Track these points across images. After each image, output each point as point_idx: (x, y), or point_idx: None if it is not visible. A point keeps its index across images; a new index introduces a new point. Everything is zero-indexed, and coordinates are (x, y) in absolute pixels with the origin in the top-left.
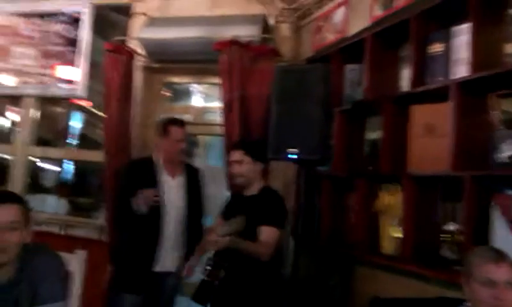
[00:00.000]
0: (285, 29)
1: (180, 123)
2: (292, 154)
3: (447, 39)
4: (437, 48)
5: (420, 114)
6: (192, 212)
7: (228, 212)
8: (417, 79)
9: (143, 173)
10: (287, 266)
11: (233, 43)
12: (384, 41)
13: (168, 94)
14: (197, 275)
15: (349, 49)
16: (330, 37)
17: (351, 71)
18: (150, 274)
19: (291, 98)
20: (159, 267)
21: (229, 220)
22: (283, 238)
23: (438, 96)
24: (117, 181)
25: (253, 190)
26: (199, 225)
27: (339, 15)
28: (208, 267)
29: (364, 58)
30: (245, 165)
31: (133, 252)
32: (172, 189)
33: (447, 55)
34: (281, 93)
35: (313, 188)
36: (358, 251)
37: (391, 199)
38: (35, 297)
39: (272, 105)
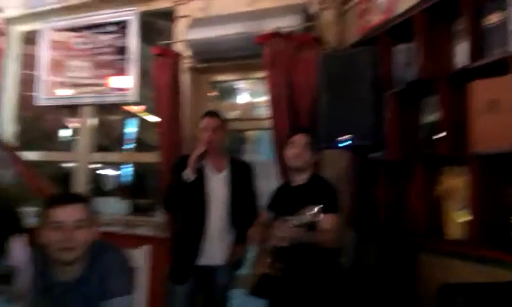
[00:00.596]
0: (328, 16)
1: (210, 114)
2: (344, 141)
3: (503, 8)
4: (493, 19)
5: (482, 89)
6: (240, 205)
7: (275, 204)
8: (475, 53)
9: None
10: (345, 256)
11: (275, 35)
12: (435, 17)
13: (214, 93)
14: (245, 267)
15: (397, 29)
16: (375, 19)
17: (400, 52)
18: (193, 267)
19: (339, 85)
20: (203, 261)
21: (300, 211)
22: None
23: (497, 69)
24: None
25: (302, 179)
26: (251, 217)
27: None
28: (268, 259)
29: (414, 37)
30: (308, 151)
31: (178, 245)
32: (217, 183)
33: (504, 25)
34: (328, 80)
35: (368, 175)
36: (421, 238)
37: (454, 183)
38: (104, 292)
39: (321, 93)
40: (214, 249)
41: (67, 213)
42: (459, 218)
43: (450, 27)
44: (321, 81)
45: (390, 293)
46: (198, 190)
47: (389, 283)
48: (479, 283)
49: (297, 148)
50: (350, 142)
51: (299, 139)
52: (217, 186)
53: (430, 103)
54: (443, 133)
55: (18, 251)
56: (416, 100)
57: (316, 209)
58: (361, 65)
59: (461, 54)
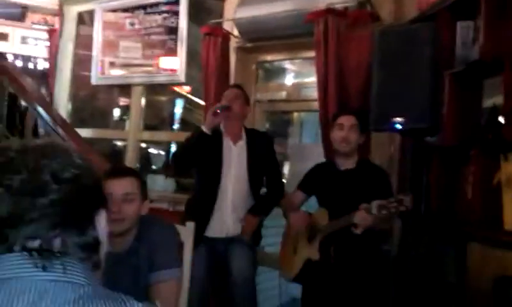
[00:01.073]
0: None
1: (231, 85)
2: (397, 123)
3: None
4: None
5: None
6: (258, 177)
7: (317, 187)
8: None
9: (210, 140)
10: (390, 243)
11: (328, 11)
12: None
13: (261, 73)
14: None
15: (460, 4)
16: None
17: (463, 29)
18: (201, 238)
19: (395, 63)
20: (220, 232)
21: (393, 198)
22: None
23: None
24: None
25: (350, 163)
26: (274, 188)
27: None
28: (317, 245)
29: (479, 13)
30: (355, 134)
31: (192, 212)
32: (234, 153)
33: None
34: (383, 57)
35: (421, 161)
36: (475, 227)
37: None
38: (152, 264)
39: (374, 71)
40: (227, 220)
41: (118, 186)
42: None
43: None
44: (375, 59)
45: (437, 284)
46: (214, 157)
47: (436, 273)
48: None
49: (344, 130)
50: (403, 124)
51: (346, 121)
52: (234, 156)
53: (493, 84)
54: (506, 117)
55: (102, 223)
56: (478, 81)
57: (409, 197)
58: (419, 42)
59: None
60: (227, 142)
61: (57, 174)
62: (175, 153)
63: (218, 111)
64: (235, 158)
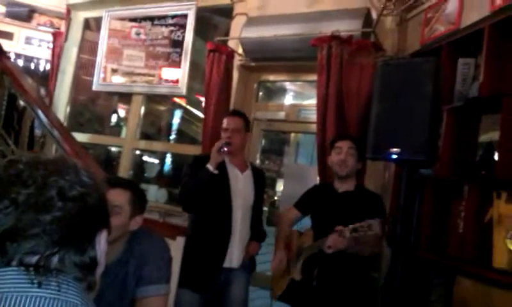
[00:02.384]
0: (389, 23)
1: (233, 113)
2: (394, 154)
3: None
4: None
5: None
6: (256, 206)
7: (315, 207)
8: None
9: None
10: (378, 271)
11: (333, 38)
12: (506, 33)
13: (261, 92)
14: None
15: (463, 42)
16: (441, 29)
17: (464, 65)
18: (220, 269)
19: (395, 94)
20: (227, 263)
21: (364, 222)
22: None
23: None
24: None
25: (348, 186)
26: (258, 222)
27: (452, 5)
28: (300, 265)
29: (481, 51)
30: (353, 158)
31: (201, 247)
32: (242, 182)
33: None
34: (384, 88)
35: (415, 191)
36: (464, 262)
37: (508, 208)
38: (140, 279)
39: (374, 101)
40: (234, 250)
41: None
42: (509, 247)
43: None
44: (376, 89)
45: None
46: (223, 189)
47: (422, 305)
48: None
49: (343, 153)
50: (400, 155)
51: (344, 145)
52: (242, 185)
53: (490, 121)
54: (501, 155)
55: (102, 244)
56: (476, 117)
57: (377, 221)
58: (421, 76)
59: None
60: (234, 172)
61: (64, 192)
62: (183, 195)
63: (222, 149)
64: (243, 187)
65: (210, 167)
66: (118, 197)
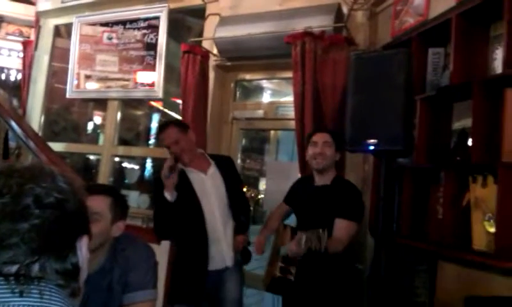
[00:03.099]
0: (360, 17)
1: (165, 127)
2: (371, 145)
3: None
4: None
5: None
6: (233, 197)
7: (295, 200)
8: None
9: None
10: (363, 262)
11: (306, 34)
12: (472, 21)
13: (239, 91)
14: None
15: (432, 32)
16: (410, 21)
17: (434, 55)
18: (206, 273)
19: (369, 87)
20: (213, 265)
21: (310, 232)
22: (358, 233)
23: None
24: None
25: (326, 179)
26: (244, 206)
27: None
28: (281, 264)
29: (450, 40)
30: (329, 150)
31: (185, 257)
32: (207, 183)
33: None
34: (358, 81)
35: (394, 181)
36: (445, 247)
37: (484, 192)
38: (127, 285)
39: (349, 94)
40: (223, 249)
41: None
42: (487, 228)
43: (488, 32)
44: (350, 82)
45: (407, 304)
46: (189, 198)
47: (407, 293)
48: (507, 296)
49: (318, 146)
50: (377, 146)
51: (320, 138)
52: (210, 184)
53: (462, 109)
54: (475, 140)
55: (84, 250)
56: (448, 105)
57: (321, 235)
58: (393, 68)
59: (499, 59)
60: (197, 175)
61: (41, 199)
62: (156, 230)
63: (170, 173)
64: (211, 187)
65: (167, 196)
66: (97, 204)
